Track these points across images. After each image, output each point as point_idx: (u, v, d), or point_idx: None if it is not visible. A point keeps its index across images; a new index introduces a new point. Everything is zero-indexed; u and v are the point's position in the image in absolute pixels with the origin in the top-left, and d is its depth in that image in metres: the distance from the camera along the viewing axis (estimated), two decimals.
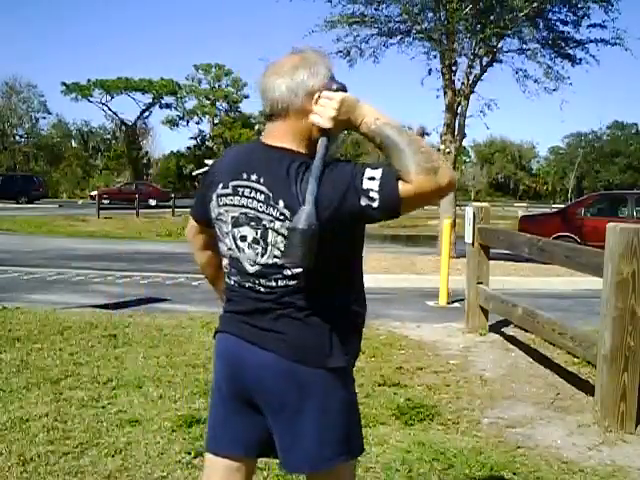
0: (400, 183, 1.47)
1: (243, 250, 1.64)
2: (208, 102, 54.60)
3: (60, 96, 48.65)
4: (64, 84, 48.55)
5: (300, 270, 1.57)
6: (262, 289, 1.63)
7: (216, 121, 55.38)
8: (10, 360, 4.54)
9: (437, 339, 5.74)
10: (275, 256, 1.59)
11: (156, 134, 59.75)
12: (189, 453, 3.06)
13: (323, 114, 1.56)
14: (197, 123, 55.71)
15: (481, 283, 5.93)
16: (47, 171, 48.57)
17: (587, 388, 4.18)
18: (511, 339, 5.70)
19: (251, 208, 1.61)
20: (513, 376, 4.64)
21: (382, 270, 10.31)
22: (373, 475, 2.94)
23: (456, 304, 7.57)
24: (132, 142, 52.64)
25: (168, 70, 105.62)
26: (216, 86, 55.20)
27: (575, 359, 4.83)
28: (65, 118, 56.16)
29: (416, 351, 5.25)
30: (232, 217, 1.65)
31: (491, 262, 6.23)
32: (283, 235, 1.56)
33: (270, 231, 1.58)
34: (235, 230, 1.65)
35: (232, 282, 1.70)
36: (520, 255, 6.09)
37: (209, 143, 55.49)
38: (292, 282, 1.59)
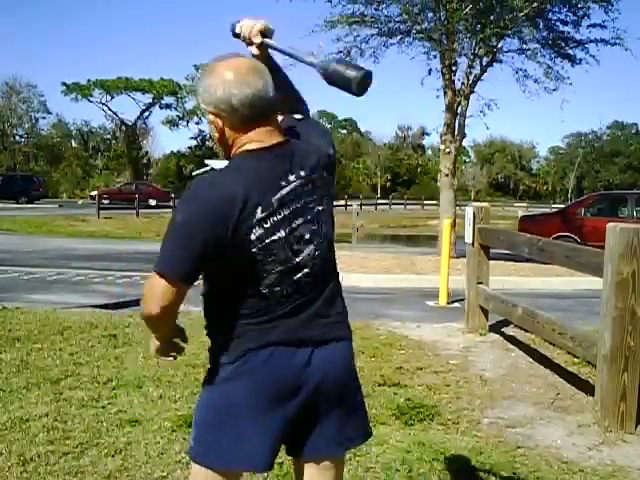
0: None
1: (301, 251, 1.59)
2: None
3: (60, 96, 48.76)
4: (64, 84, 48.62)
5: (327, 240, 1.66)
6: (315, 275, 1.63)
7: None
8: (10, 360, 4.54)
9: (437, 339, 5.74)
10: (325, 234, 1.65)
11: (156, 134, 59.82)
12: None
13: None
14: (197, 123, 55.72)
15: (481, 283, 5.93)
16: (47, 171, 48.56)
17: (587, 388, 4.18)
18: (511, 339, 5.70)
19: (302, 205, 1.59)
20: (513, 376, 4.64)
21: (382, 270, 10.32)
22: (373, 475, 2.94)
23: (456, 304, 7.57)
24: (132, 142, 52.63)
25: (168, 70, 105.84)
26: None
27: (575, 359, 4.83)
28: (65, 118, 56.07)
29: (416, 351, 5.25)
30: (288, 229, 1.57)
31: (491, 262, 6.23)
32: (326, 196, 1.65)
33: (320, 209, 1.64)
34: (291, 237, 1.57)
35: (278, 294, 1.59)
36: (520, 255, 6.09)
37: (209, 143, 55.46)
38: (326, 253, 1.67)
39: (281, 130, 1.63)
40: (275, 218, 1.54)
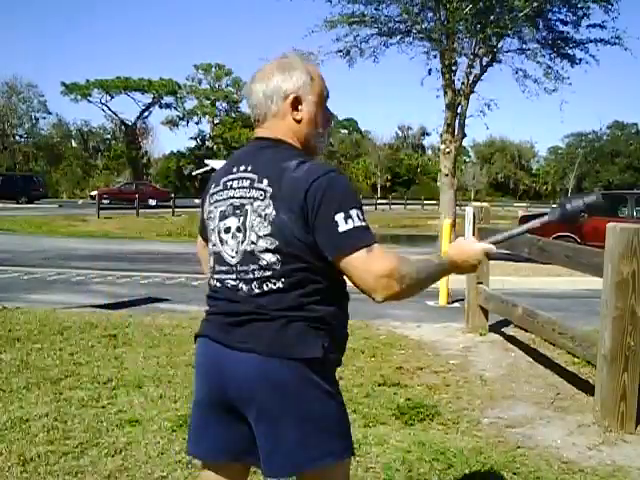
0: (367, 250, 1.52)
1: (226, 242, 1.63)
2: (208, 102, 54.64)
3: (60, 96, 48.82)
4: (64, 84, 48.62)
5: (274, 259, 1.55)
6: (242, 285, 1.59)
7: (216, 121, 55.41)
8: (10, 360, 4.54)
9: (437, 339, 5.74)
10: (252, 242, 1.57)
11: (156, 134, 59.87)
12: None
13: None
14: (197, 123, 55.82)
15: (481, 283, 5.93)
16: (47, 171, 48.57)
17: (587, 388, 4.18)
18: (511, 339, 5.70)
19: (237, 197, 1.62)
20: (513, 376, 4.64)
21: None
22: (373, 475, 2.94)
23: (456, 304, 7.57)
24: (132, 142, 52.67)
25: (168, 70, 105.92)
26: (216, 86, 55.24)
27: (575, 359, 4.83)
28: (65, 118, 56.31)
29: (416, 351, 5.25)
30: (220, 211, 1.66)
31: (491, 262, 6.23)
32: (260, 215, 1.56)
33: (249, 213, 1.58)
34: (221, 224, 1.65)
35: (214, 282, 1.68)
36: (520, 255, 6.08)
37: (209, 143, 55.54)
38: (267, 273, 1.56)
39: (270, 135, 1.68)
40: (217, 197, 1.68)
